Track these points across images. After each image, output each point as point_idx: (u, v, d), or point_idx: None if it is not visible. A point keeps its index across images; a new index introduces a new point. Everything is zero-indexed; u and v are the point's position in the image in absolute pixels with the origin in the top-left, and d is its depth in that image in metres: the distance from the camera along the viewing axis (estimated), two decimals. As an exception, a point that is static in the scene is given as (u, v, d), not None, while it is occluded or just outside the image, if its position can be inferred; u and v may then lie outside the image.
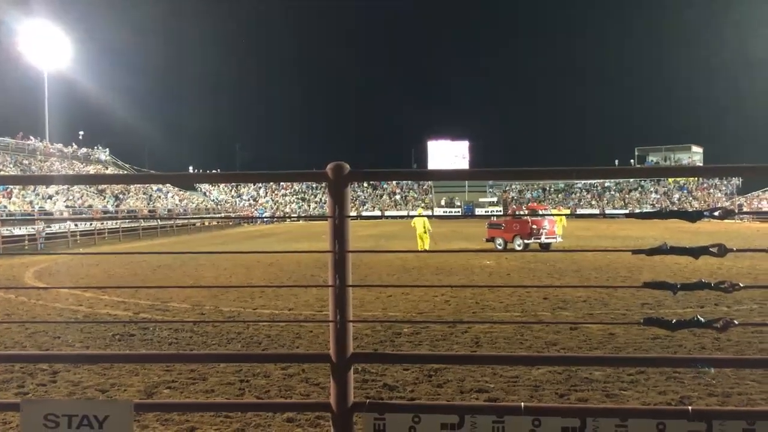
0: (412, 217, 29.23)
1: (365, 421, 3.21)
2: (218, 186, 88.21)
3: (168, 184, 70.59)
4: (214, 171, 76.02)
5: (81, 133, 71.69)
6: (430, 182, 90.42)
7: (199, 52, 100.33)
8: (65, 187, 51.01)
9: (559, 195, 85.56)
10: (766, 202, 69.35)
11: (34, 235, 35.69)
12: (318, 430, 5.37)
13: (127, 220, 46.67)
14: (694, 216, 3.07)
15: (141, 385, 6.97)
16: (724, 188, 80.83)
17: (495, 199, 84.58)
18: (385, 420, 3.14)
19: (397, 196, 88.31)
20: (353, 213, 73.97)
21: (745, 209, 69.69)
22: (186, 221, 53.06)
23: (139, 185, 64.95)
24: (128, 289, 13.97)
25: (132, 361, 6.86)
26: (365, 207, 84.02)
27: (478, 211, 74.25)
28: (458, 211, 79.52)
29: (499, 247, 26.43)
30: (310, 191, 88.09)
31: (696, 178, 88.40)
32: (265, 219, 73.85)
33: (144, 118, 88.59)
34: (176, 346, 9.06)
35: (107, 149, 74.76)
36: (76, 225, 39.22)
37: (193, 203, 73.38)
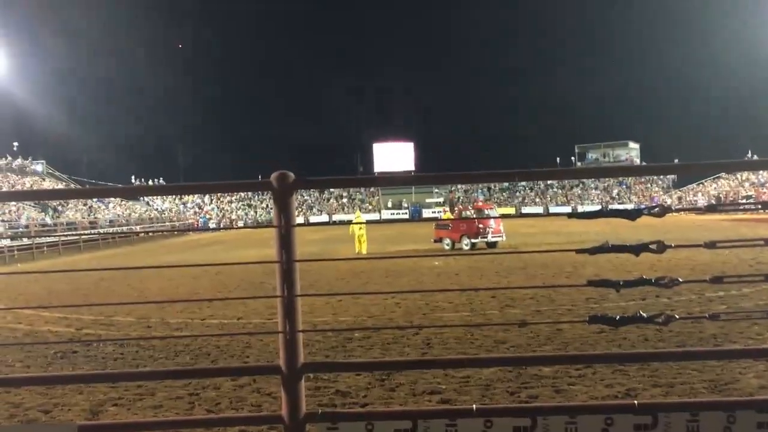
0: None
1: (318, 431, 3.18)
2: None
3: (109, 195, 68.72)
4: (156, 179, 74.41)
5: (15, 144, 69.05)
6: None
7: (134, 61, 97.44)
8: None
9: (504, 194, 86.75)
10: (701, 195, 71.94)
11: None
12: (271, 441, 5.30)
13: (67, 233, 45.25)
14: (633, 214, 3.15)
15: (86, 404, 6.76)
16: (661, 182, 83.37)
17: (441, 200, 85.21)
18: (338, 429, 3.11)
19: (344, 200, 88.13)
20: (300, 217, 73.57)
21: (681, 203, 72.21)
22: (129, 232, 51.71)
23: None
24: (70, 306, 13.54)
25: (75, 382, 6.63)
26: (312, 211, 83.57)
27: (426, 213, 74.50)
28: (405, 213, 79.68)
29: (447, 248, 26.70)
30: (257, 197, 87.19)
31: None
32: (210, 228, 72.92)
33: (80, 128, 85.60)
34: (122, 361, 8.82)
35: (43, 161, 72.43)
36: (11, 240, 37.85)
37: (135, 213, 71.65)
